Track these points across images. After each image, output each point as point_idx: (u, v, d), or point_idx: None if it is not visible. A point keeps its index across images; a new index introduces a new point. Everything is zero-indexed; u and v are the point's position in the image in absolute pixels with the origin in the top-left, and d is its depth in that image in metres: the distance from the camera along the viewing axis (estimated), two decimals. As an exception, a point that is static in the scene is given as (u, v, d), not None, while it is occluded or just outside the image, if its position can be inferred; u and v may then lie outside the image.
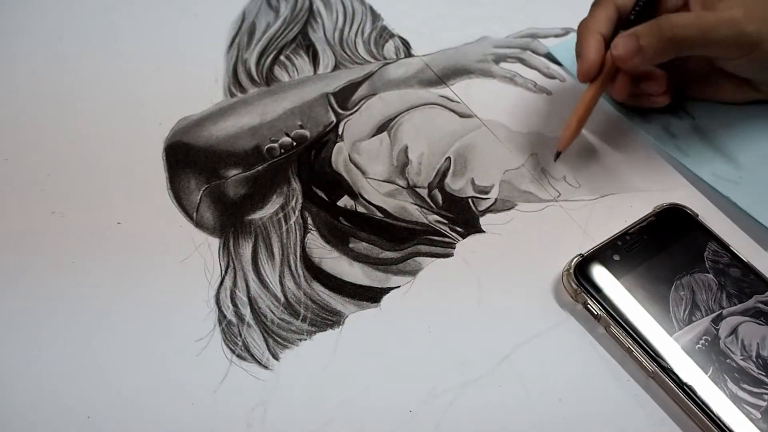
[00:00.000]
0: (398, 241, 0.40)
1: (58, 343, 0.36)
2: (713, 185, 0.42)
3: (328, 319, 0.37)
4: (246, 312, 0.37)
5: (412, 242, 0.40)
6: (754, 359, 0.34)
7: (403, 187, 0.43)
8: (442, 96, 0.48)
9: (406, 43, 0.51)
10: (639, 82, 0.44)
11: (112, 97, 0.47)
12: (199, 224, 0.41)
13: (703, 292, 0.36)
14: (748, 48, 0.40)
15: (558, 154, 0.43)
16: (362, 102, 0.48)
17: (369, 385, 0.35)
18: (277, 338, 0.36)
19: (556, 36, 0.52)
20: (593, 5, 0.44)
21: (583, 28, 0.43)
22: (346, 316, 0.37)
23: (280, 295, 0.38)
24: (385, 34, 0.52)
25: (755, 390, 0.33)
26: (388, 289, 0.38)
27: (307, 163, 0.44)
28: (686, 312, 0.36)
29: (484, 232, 0.41)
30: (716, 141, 0.44)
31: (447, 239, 0.41)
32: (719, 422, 0.32)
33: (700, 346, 0.35)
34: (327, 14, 0.53)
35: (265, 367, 0.35)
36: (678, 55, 0.41)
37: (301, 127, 0.46)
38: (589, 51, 0.42)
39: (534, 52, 0.51)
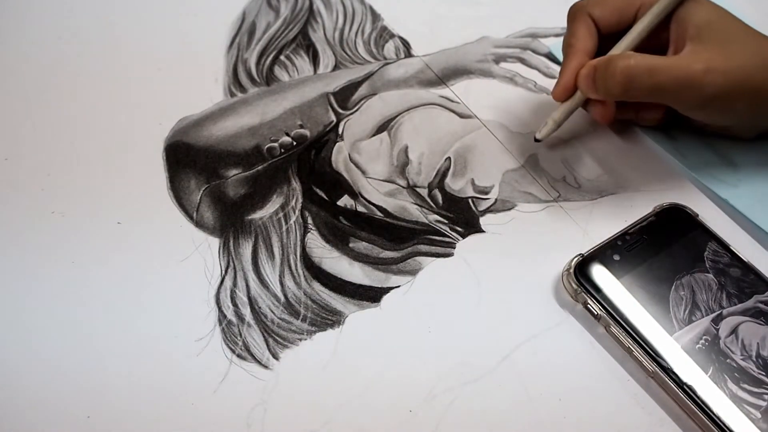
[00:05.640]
0: (398, 241, 0.40)
1: (58, 342, 0.36)
2: (712, 188, 0.42)
3: (328, 319, 0.37)
4: (246, 312, 0.37)
5: (412, 242, 0.40)
6: (754, 359, 0.34)
7: (403, 187, 0.43)
8: (442, 96, 0.48)
9: (406, 43, 0.51)
10: (638, 111, 0.43)
11: (112, 97, 0.47)
12: (199, 224, 0.41)
13: (703, 292, 0.36)
14: (702, 104, 0.39)
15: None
16: (362, 102, 0.48)
17: (369, 385, 0.35)
18: (277, 338, 0.36)
19: (556, 36, 0.52)
20: (568, 21, 0.42)
21: (564, 46, 0.42)
22: (346, 316, 0.37)
23: (280, 294, 0.38)
24: (385, 34, 0.52)
25: (755, 390, 0.33)
26: (388, 289, 0.38)
27: (307, 163, 0.44)
28: (686, 312, 0.36)
29: (484, 232, 0.41)
30: (715, 144, 0.44)
31: (447, 239, 0.41)
32: (719, 422, 0.32)
33: (700, 346, 0.34)
34: (327, 14, 0.53)
35: (265, 367, 0.35)
36: (629, 100, 0.40)
37: (301, 126, 0.46)
38: (564, 73, 0.41)
39: (534, 51, 0.51)
